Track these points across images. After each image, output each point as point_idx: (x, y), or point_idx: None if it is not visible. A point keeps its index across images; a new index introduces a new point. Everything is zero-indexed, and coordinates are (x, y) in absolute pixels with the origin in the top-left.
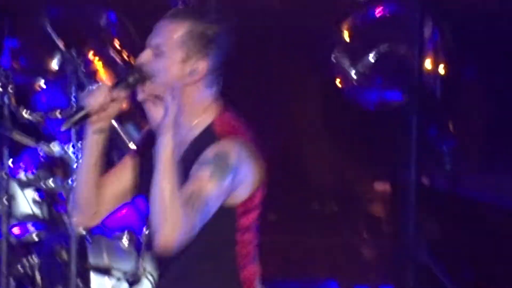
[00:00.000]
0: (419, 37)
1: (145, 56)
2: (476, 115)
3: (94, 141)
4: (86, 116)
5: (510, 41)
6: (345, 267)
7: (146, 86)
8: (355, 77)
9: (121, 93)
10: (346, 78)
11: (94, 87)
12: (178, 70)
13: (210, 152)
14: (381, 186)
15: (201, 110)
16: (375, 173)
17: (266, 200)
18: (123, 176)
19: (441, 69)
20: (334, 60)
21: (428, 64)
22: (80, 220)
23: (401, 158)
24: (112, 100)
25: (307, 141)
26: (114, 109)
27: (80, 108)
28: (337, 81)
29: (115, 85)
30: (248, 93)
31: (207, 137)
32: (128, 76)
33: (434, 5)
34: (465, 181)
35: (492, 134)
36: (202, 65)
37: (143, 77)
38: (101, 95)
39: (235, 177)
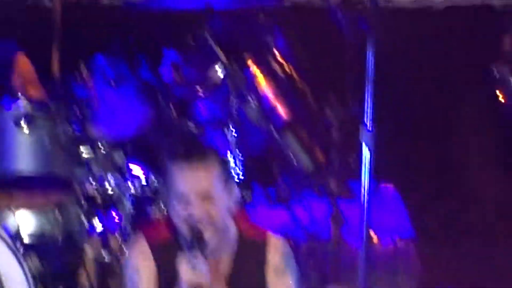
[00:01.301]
0: None
1: (197, 205)
2: None
3: None
4: None
5: None
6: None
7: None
8: None
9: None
10: (508, 91)
11: (197, 266)
12: (226, 200)
13: (277, 259)
14: None
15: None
16: None
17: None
18: None
19: None
20: (496, 73)
21: None
22: None
23: None
24: None
25: (466, 151)
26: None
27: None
28: (499, 95)
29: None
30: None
31: (248, 248)
32: (200, 235)
33: None
34: None
35: None
36: (234, 185)
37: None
38: (206, 270)
39: None
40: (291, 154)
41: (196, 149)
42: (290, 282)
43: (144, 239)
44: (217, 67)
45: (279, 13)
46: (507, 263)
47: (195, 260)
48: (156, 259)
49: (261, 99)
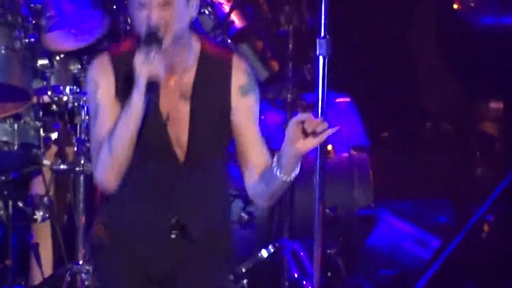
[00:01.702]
0: None
1: (155, 11)
2: None
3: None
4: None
5: None
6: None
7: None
8: None
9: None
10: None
11: (150, 57)
12: (186, 10)
13: (241, 76)
14: (495, 105)
15: (189, 39)
16: (488, 93)
17: (381, 119)
18: None
19: None
20: None
21: None
22: (114, 178)
23: None
24: None
25: (422, 63)
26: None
27: (154, 79)
28: (454, 4)
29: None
30: (363, 19)
31: (210, 61)
32: (148, 41)
33: None
34: None
35: None
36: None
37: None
38: (161, 64)
39: None
40: None
41: None
42: (253, 101)
43: (106, 55)
44: None
45: None
46: (460, 172)
47: (150, 54)
48: (116, 69)
49: (215, 8)
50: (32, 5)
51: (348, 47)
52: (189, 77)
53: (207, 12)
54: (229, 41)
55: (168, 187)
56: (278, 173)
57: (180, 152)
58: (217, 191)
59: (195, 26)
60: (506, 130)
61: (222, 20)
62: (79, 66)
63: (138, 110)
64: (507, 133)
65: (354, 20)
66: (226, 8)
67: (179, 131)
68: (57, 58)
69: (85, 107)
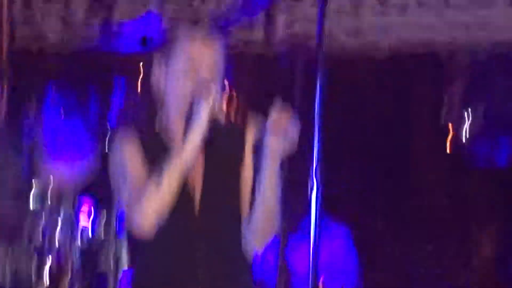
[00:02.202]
0: None
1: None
2: None
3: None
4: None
5: None
6: None
7: None
8: (466, 135)
9: None
10: (458, 125)
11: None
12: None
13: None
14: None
15: None
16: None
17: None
18: None
19: None
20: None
21: None
22: (156, 219)
23: None
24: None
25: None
26: None
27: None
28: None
29: None
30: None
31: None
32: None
33: None
34: None
35: None
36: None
37: None
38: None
39: None
40: None
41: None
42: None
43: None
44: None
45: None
46: None
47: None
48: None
49: None
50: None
51: (343, 175)
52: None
53: None
54: None
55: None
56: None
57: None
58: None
59: None
60: None
61: None
62: (72, 207)
63: (196, 145)
64: None
65: (345, 153)
66: None
67: (194, 178)
68: (49, 197)
69: (76, 246)
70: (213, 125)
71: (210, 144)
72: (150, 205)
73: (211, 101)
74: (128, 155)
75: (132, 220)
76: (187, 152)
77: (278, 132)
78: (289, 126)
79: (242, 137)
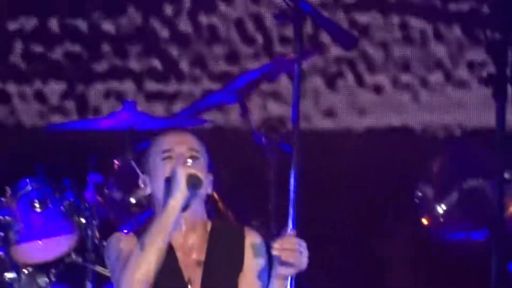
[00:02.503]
0: (499, 175)
1: (183, 155)
2: None
3: (178, 214)
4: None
5: None
6: None
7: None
8: (441, 211)
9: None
10: (430, 213)
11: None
12: (207, 175)
13: (255, 237)
14: None
15: (204, 223)
16: None
17: None
18: None
19: None
20: (419, 195)
21: (510, 200)
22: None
23: None
24: None
25: (392, 277)
26: None
27: (195, 180)
28: (421, 218)
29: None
30: (333, 230)
31: (226, 230)
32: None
33: None
34: None
35: None
36: (211, 177)
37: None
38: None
39: None
40: None
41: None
42: (263, 266)
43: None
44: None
45: (202, 134)
46: None
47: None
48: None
49: None
50: (1, 217)
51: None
52: (204, 244)
53: None
54: None
55: None
56: None
57: None
58: None
59: None
60: None
61: None
62: (47, 279)
63: (176, 210)
64: None
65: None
66: None
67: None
68: (25, 271)
69: None
70: (192, 190)
71: (186, 208)
72: (136, 269)
73: (188, 169)
74: (122, 243)
75: (123, 284)
76: (167, 214)
77: (288, 259)
78: (298, 251)
79: (241, 239)
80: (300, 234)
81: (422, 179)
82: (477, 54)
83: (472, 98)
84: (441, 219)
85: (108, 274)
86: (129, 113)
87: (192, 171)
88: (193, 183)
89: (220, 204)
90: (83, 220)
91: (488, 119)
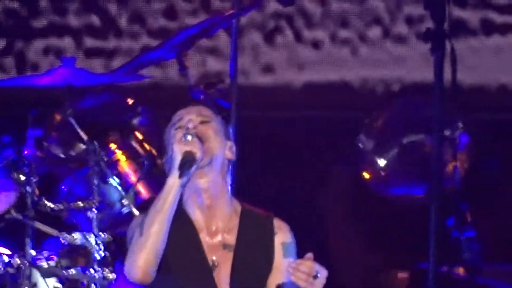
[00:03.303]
0: (439, 128)
1: (194, 123)
2: (498, 206)
3: (179, 193)
4: (193, 162)
5: None
6: None
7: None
8: (381, 165)
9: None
10: (371, 167)
11: (188, 139)
12: (222, 140)
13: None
14: (401, 275)
15: (229, 194)
16: (395, 261)
17: None
18: None
19: (463, 161)
20: (360, 147)
21: (449, 156)
22: (145, 275)
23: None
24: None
25: (331, 231)
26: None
27: (188, 156)
28: (363, 171)
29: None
30: (270, 183)
31: (252, 216)
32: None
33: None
34: (485, 270)
35: None
36: (233, 145)
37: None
38: (199, 145)
39: None
40: None
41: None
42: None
43: None
44: (80, 145)
45: (140, 91)
46: None
47: (187, 136)
48: None
49: (122, 179)
50: None
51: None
52: (234, 228)
53: (113, 182)
54: (136, 212)
55: None
56: None
57: None
58: None
59: (103, 196)
60: None
61: (129, 191)
62: None
63: (174, 189)
64: None
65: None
66: (133, 178)
67: (220, 277)
68: None
69: None
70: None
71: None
72: (136, 256)
73: (184, 146)
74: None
75: (127, 269)
76: (165, 192)
77: (299, 281)
78: (311, 276)
79: (271, 233)
80: (241, 187)
81: (364, 132)
82: (415, 9)
83: (411, 53)
84: (382, 173)
85: (48, 231)
86: (68, 69)
87: (188, 147)
88: (187, 160)
89: (159, 161)
90: (22, 177)
91: (427, 74)
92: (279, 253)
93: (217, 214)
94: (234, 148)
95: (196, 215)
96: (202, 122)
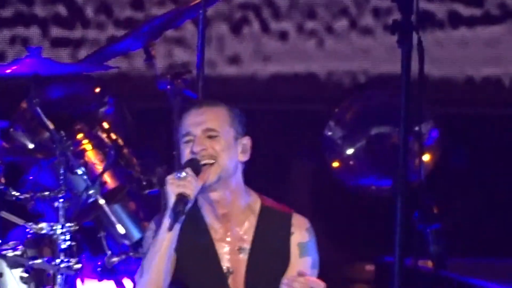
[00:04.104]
0: (405, 120)
1: (201, 143)
2: (463, 200)
3: (176, 231)
4: (187, 203)
5: (500, 129)
6: None
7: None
8: (349, 155)
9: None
10: (339, 156)
11: (182, 176)
12: (235, 149)
13: (302, 232)
14: (367, 268)
15: (245, 192)
16: (360, 255)
17: None
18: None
19: (431, 154)
20: (329, 135)
21: (415, 149)
22: None
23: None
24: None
25: None
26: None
27: (181, 198)
28: (331, 161)
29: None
30: None
31: (271, 214)
32: (197, 161)
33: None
34: (450, 264)
35: (478, 219)
36: (248, 141)
37: (211, 159)
38: (194, 182)
39: None
40: (117, 224)
41: (207, 99)
42: (310, 264)
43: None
44: (46, 135)
45: (107, 81)
46: None
47: (181, 172)
48: None
49: (88, 168)
50: None
51: None
52: (250, 230)
53: (80, 172)
54: (101, 201)
55: None
56: None
57: None
58: None
59: (69, 185)
60: None
61: (95, 181)
62: None
63: (170, 232)
64: None
65: None
66: (99, 168)
67: (236, 282)
68: None
69: None
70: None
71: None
72: (141, 275)
73: (176, 188)
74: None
75: None
76: (162, 234)
77: None
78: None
79: (288, 232)
80: None
81: (333, 120)
82: (382, 1)
83: (377, 45)
84: (351, 162)
85: (14, 220)
86: (34, 59)
87: (180, 189)
88: (181, 202)
89: (125, 151)
90: None
91: (393, 66)
92: (295, 254)
93: (233, 220)
94: (248, 145)
95: (212, 223)
96: (209, 137)
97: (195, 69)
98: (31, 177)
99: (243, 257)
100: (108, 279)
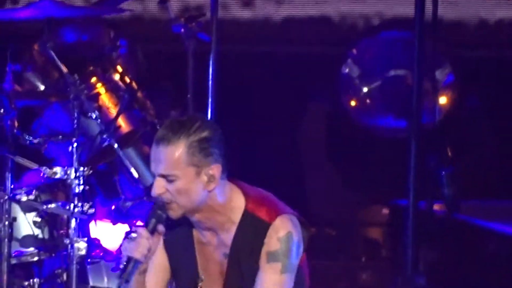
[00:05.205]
0: (419, 62)
1: (159, 187)
2: (477, 143)
3: (143, 278)
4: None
5: None
6: None
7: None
8: (366, 94)
9: (159, 228)
10: (356, 95)
11: (133, 237)
12: (197, 184)
13: (273, 242)
14: (383, 211)
15: (227, 204)
16: (375, 198)
17: None
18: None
19: (447, 98)
20: (346, 72)
21: (430, 91)
22: None
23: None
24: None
25: (307, 163)
26: (156, 244)
27: (129, 261)
28: (347, 100)
29: (148, 226)
30: (252, 117)
31: (251, 223)
32: (154, 213)
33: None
34: (463, 207)
35: (492, 162)
36: (215, 170)
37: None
38: (145, 243)
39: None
40: (131, 168)
41: (168, 132)
42: (277, 270)
43: None
44: (59, 78)
45: (121, 24)
46: (346, 277)
47: (130, 234)
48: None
49: (102, 112)
50: None
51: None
52: (230, 236)
53: (93, 116)
54: (116, 145)
55: None
56: None
57: None
58: None
59: (83, 129)
60: (391, 236)
61: (109, 125)
62: None
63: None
64: (393, 238)
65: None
66: (113, 112)
67: None
68: None
69: None
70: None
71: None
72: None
73: (127, 251)
74: None
75: None
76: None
77: None
78: None
79: (262, 240)
80: (219, 118)
81: (351, 58)
82: None
83: None
84: (367, 101)
85: (28, 164)
86: (48, 2)
87: (128, 252)
88: (130, 263)
89: (139, 94)
90: (1, 110)
91: (407, 8)
92: (263, 260)
93: (217, 229)
94: (216, 173)
95: (201, 232)
96: (168, 181)
97: (209, 12)
98: (44, 121)
99: (223, 263)
100: (122, 222)
